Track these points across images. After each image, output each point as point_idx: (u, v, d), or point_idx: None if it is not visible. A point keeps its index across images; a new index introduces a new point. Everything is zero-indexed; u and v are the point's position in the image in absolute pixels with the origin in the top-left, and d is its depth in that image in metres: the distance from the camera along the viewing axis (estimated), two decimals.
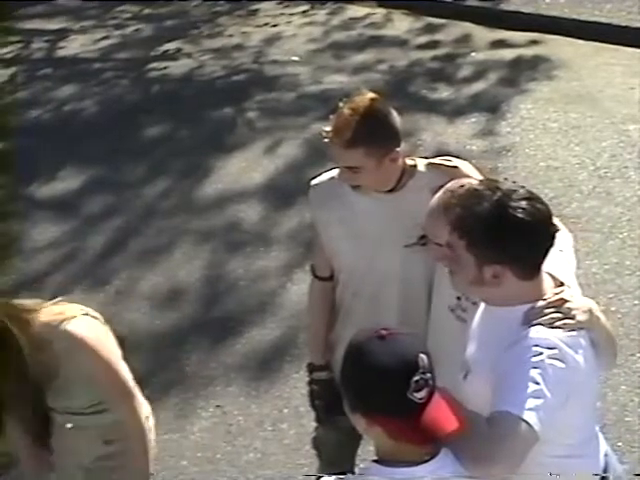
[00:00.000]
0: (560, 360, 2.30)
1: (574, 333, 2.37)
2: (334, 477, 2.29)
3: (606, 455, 2.62)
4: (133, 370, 3.05)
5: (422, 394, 2.11)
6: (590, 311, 2.44)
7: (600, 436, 2.64)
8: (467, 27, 8.54)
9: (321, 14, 9.30)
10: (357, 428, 2.22)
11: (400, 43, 8.42)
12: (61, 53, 8.98)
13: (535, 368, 2.27)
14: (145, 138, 7.22)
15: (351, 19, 9.05)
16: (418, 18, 8.88)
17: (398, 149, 3.02)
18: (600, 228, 5.62)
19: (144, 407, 3.08)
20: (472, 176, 2.97)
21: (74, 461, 3.11)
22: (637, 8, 8.30)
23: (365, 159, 2.96)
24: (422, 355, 2.14)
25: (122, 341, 3.05)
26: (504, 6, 8.73)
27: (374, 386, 2.13)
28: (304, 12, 9.36)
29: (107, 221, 6.17)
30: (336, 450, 3.55)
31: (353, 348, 2.19)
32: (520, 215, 2.33)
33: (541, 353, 2.29)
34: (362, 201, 3.11)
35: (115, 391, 2.98)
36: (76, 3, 10.13)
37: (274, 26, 9.08)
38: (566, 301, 2.40)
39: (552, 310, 2.38)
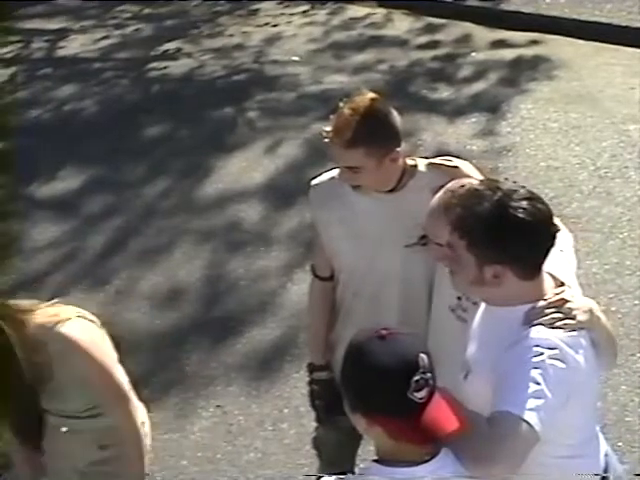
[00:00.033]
0: (561, 360, 2.30)
1: (575, 333, 2.37)
2: (334, 477, 2.29)
3: (606, 455, 2.62)
4: (129, 373, 3.03)
5: (422, 394, 2.11)
6: (591, 311, 2.44)
7: (600, 436, 2.64)
8: (467, 27, 8.54)
9: (321, 14, 9.29)
10: (357, 428, 2.22)
11: (400, 43, 8.42)
12: (61, 53, 8.97)
13: (536, 368, 2.27)
14: (145, 138, 7.22)
15: (351, 19, 9.05)
16: (418, 18, 8.88)
17: (398, 149, 3.02)
18: (600, 228, 5.62)
19: (140, 411, 3.06)
20: (473, 176, 2.96)
21: (68, 464, 3.09)
22: (637, 8, 8.30)
23: (365, 159, 2.96)
24: (422, 355, 2.14)
25: (119, 345, 3.03)
26: (504, 6, 8.73)
27: (374, 386, 2.13)
28: (304, 12, 9.36)
29: (107, 221, 6.17)
30: (336, 450, 3.55)
31: (353, 348, 2.19)
32: (521, 215, 2.33)
33: (542, 353, 2.29)
34: (362, 201, 3.11)
35: (110, 394, 2.95)
36: (76, 3, 10.13)
37: (274, 26, 9.08)
38: (567, 301, 2.40)
39: (553, 310, 2.38)
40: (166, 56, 8.66)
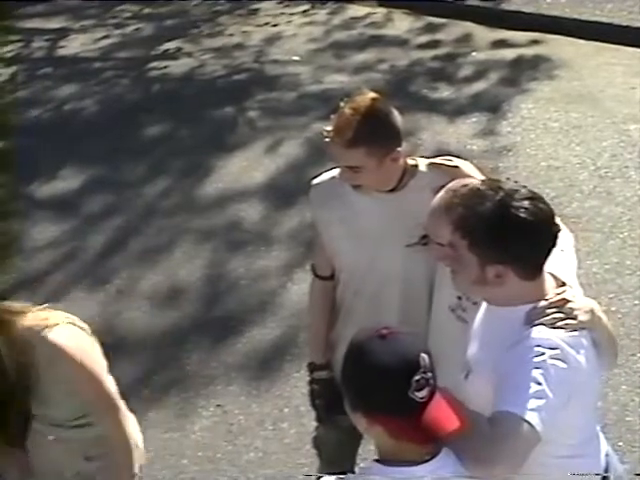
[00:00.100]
0: (562, 360, 2.30)
1: (576, 333, 2.37)
2: (334, 477, 2.29)
3: (607, 455, 2.62)
4: (119, 383, 2.99)
5: (423, 393, 2.11)
6: (592, 311, 2.44)
7: (601, 436, 2.64)
8: (468, 27, 8.54)
9: (322, 14, 9.29)
10: (358, 427, 2.22)
11: (401, 43, 8.41)
12: (61, 52, 8.97)
13: (537, 368, 2.27)
14: (146, 137, 7.22)
15: (352, 19, 9.05)
16: (419, 18, 8.88)
17: (399, 149, 3.02)
18: (601, 228, 5.62)
19: (131, 421, 3.03)
20: (473, 176, 2.96)
21: (54, 472, 3.05)
22: (638, 8, 8.30)
23: (366, 159, 2.96)
24: (423, 354, 2.14)
25: (109, 354, 3.01)
26: (505, 6, 8.73)
27: (375, 385, 2.13)
28: (305, 12, 9.36)
29: (107, 220, 6.17)
30: (337, 449, 3.55)
31: (354, 347, 2.19)
32: (522, 215, 2.33)
33: (543, 353, 2.29)
34: (363, 201, 3.10)
35: (99, 402, 2.92)
36: (76, 2, 10.12)
37: (275, 25, 9.08)
38: (568, 301, 2.40)
39: (554, 310, 2.38)
40: (166, 56, 8.66)
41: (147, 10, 9.82)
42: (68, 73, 8.43)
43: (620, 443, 4.05)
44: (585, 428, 2.51)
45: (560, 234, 2.45)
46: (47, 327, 2.81)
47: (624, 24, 8.10)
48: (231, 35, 9.00)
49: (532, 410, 2.22)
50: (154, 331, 5.15)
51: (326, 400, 3.41)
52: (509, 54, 7.94)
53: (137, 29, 9.40)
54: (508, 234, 2.35)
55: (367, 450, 3.31)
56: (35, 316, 2.85)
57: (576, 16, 8.32)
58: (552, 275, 2.48)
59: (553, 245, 2.41)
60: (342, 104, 3.02)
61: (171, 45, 8.84)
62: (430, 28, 8.66)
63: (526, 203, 2.35)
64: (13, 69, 8.56)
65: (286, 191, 6.22)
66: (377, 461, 2.19)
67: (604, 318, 2.50)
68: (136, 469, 2.99)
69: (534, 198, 2.38)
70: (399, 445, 2.15)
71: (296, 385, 4.59)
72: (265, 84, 7.87)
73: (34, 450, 3.01)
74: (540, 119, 6.87)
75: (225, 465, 4.30)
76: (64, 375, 2.82)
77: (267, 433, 4.44)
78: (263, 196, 6.27)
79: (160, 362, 4.94)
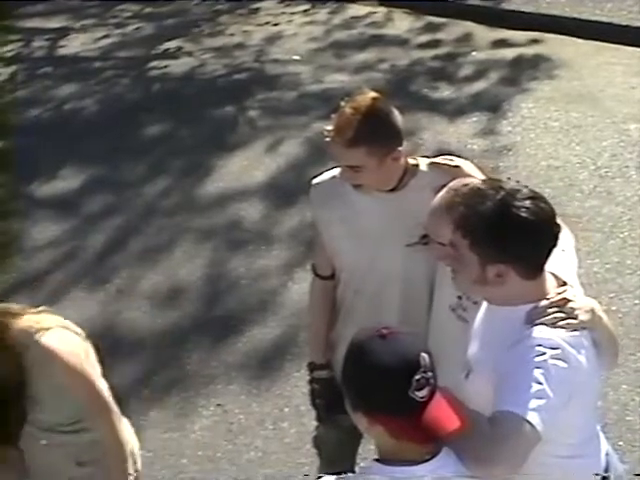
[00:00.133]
0: (563, 360, 2.30)
1: (577, 333, 2.37)
2: (335, 476, 2.29)
3: (607, 454, 2.62)
4: (114, 388, 2.99)
5: (423, 393, 2.11)
6: (593, 311, 2.44)
7: (601, 435, 2.64)
8: (468, 26, 8.54)
9: (322, 13, 9.29)
10: (358, 427, 2.22)
11: (401, 42, 8.41)
12: (61, 52, 8.97)
13: (538, 368, 2.27)
14: (146, 137, 7.21)
15: (352, 18, 9.05)
16: (419, 17, 8.88)
17: (400, 148, 3.02)
18: (601, 227, 5.62)
19: (126, 427, 3.02)
20: (474, 175, 2.97)
21: (48, 475, 3.05)
22: (638, 7, 8.30)
23: (367, 158, 2.96)
24: (423, 354, 2.14)
25: (103, 360, 3.00)
26: (505, 5, 8.73)
27: (375, 385, 2.13)
28: (305, 11, 9.35)
29: (108, 220, 6.17)
30: (337, 449, 3.55)
31: (354, 347, 2.19)
32: (524, 214, 2.33)
33: (544, 353, 2.29)
34: (363, 200, 3.10)
35: (92, 406, 2.91)
36: (76, 2, 10.11)
37: (275, 25, 9.08)
38: (569, 301, 2.40)
39: (555, 310, 2.38)
40: (167, 55, 8.65)
41: (147, 9, 9.81)
42: (68, 72, 8.43)
43: (620, 442, 4.05)
44: (585, 428, 2.51)
45: (561, 234, 2.45)
46: (40, 330, 2.81)
47: (624, 23, 8.10)
48: (232, 34, 8.99)
49: (533, 410, 2.22)
50: (154, 330, 5.15)
51: (326, 400, 3.41)
52: (509, 54, 7.94)
53: (137, 28, 9.40)
54: (509, 233, 2.35)
55: (367, 450, 3.31)
56: (30, 318, 2.85)
57: (576, 15, 8.32)
58: (553, 275, 2.47)
59: (554, 245, 2.41)
60: (343, 103, 3.02)
61: (171, 44, 8.84)
62: (430, 28, 8.66)
63: (527, 203, 2.35)
64: (13, 68, 8.56)
65: (286, 190, 6.22)
66: (377, 460, 2.19)
67: (605, 318, 2.50)
68: (131, 474, 2.97)
69: (535, 198, 2.38)
70: (399, 444, 2.15)
71: (296, 384, 4.59)
72: (265, 83, 7.87)
73: (28, 453, 3.00)
74: (540, 118, 6.87)
75: (225, 464, 4.30)
76: (56, 379, 2.82)
77: (267, 432, 4.44)
78: (263, 195, 6.27)
79: (160, 361, 4.94)
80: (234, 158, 6.76)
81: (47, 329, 2.83)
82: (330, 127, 3.01)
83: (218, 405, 4.62)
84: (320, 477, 2.47)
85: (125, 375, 4.75)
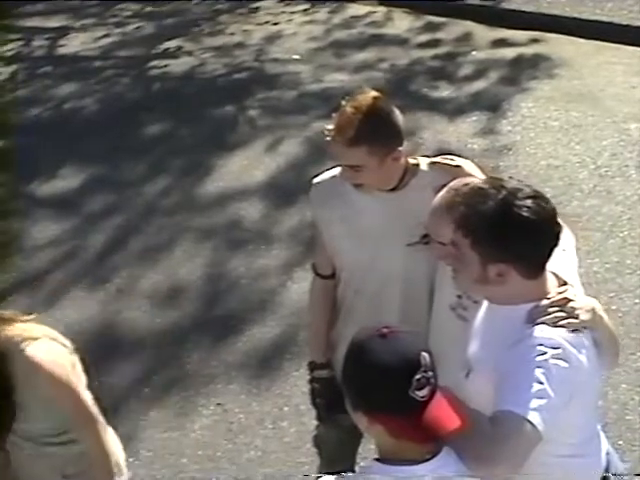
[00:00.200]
0: (564, 360, 2.30)
1: (578, 332, 2.37)
2: (335, 476, 2.29)
3: (607, 454, 2.63)
4: (99, 400, 2.97)
5: (424, 392, 2.11)
6: (593, 310, 2.44)
7: (601, 435, 2.64)
8: (468, 26, 8.54)
9: (322, 12, 9.29)
10: (359, 426, 2.22)
11: (401, 42, 8.41)
12: (61, 51, 8.97)
13: (539, 367, 2.27)
14: (146, 136, 7.21)
15: (352, 17, 9.05)
16: (419, 17, 8.88)
17: (401, 148, 3.01)
18: (601, 227, 5.62)
19: (112, 438, 3.00)
20: (475, 175, 2.96)
21: None
22: (638, 7, 8.30)
23: (367, 157, 2.96)
24: (424, 353, 2.14)
25: (89, 371, 2.98)
26: (505, 5, 8.73)
27: (376, 384, 2.13)
28: (305, 10, 9.35)
29: (108, 219, 6.17)
30: (337, 448, 3.55)
31: (355, 346, 2.19)
32: (525, 214, 2.33)
33: (545, 352, 2.29)
34: (364, 200, 3.10)
35: (77, 417, 2.90)
36: (76, 1, 10.11)
37: (275, 24, 9.08)
38: (570, 300, 2.40)
39: (556, 309, 2.38)
40: (167, 54, 8.65)
41: (148, 9, 9.81)
42: (68, 72, 8.42)
43: (620, 442, 4.05)
44: (586, 427, 2.51)
45: (562, 233, 2.45)
46: (27, 340, 2.80)
47: (624, 23, 8.11)
48: (232, 34, 8.99)
49: (534, 410, 2.22)
50: (154, 330, 5.15)
51: (326, 399, 3.41)
52: (509, 53, 7.94)
53: (137, 28, 9.40)
54: (510, 233, 2.34)
55: (367, 449, 3.31)
56: (19, 326, 2.83)
57: (576, 15, 8.32)
58: (554, 274, 2.47)
59: (555, 244, 2.41)
60: (344, 103, 3.02)
61: (171, 44, 8.83)
62: (430, 27, 8.66)
63: (529, 202, 2.34)
64: (13, 68, 8.56)
65: (286, 190, 6.22)
66: (377, 460, 2.19)
67: (605, 317, 2.50)
68: None
69: (537, 197, 2.37)
70: (400, 444, 2.15)
71: (296, 384, 4.59)
72: (265, 83, 7.87)
73: (14, 462, 2.99)
74: (540, 118, 6.87)
75: (225, 464, 4.30)
76: (40, 390, 2.81)
77: (267, 432, 4.44)
78: (263, 195, 6.27)
79: (160, 361, 4.94)
80: (234, 157, 6.76)
81: (34, 339, 2.81)
82: (331, 126, 3.00)
83: (218, 404, 4.62)
84: (320, 476, 2.47)
85: (125, 375, 4.75)
